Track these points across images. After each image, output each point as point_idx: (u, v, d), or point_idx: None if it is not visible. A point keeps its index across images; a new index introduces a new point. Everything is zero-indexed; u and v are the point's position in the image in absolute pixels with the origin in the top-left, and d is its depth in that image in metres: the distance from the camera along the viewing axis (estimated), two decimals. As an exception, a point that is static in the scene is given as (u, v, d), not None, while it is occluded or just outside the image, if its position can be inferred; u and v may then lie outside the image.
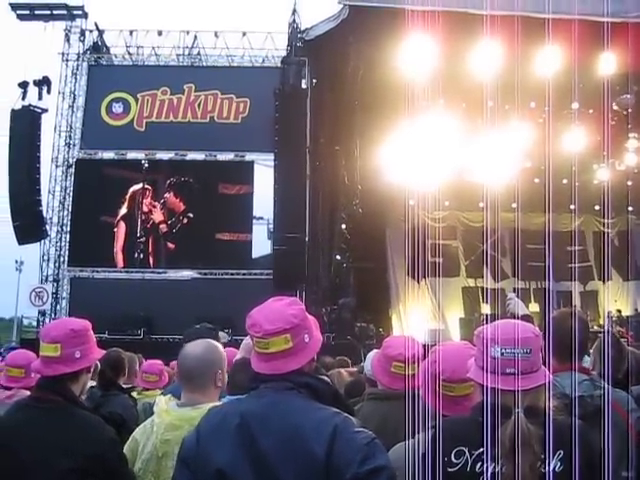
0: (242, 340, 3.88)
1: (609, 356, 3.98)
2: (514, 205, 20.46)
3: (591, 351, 4.29)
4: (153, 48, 21.62)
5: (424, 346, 3.71)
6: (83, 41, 22.09)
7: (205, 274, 20.64)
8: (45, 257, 21.02)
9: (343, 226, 22.34)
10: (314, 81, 20.75)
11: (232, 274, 20.24)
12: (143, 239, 20.55)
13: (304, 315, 2.49)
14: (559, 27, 14.58)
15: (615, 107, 20.61)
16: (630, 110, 20.70)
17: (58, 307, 20.68)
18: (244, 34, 21.43)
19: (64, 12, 21.87)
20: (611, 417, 3.00)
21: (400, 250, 23.94)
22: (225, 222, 20.60)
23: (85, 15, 22.10)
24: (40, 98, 20.60)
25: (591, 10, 14.70)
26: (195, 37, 21.73)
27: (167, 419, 3.10)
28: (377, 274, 24.71)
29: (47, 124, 20.92)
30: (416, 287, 24.77)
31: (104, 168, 21.10)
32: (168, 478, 2.87)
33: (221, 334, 5.01)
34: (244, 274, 20.18)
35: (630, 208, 23.94)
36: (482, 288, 24.63)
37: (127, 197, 20.64)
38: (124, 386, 5.70)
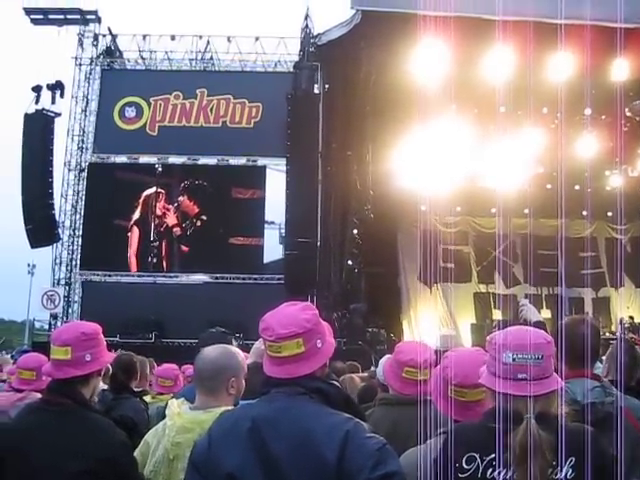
0: (253, 345, 3.87)
1: (622, 363, 3.96)
2: (526, 211, 20.43)
3: (604, 358, 4.28)
4: (166, 52, 21.70)
5: (436, 352, 3.71)
6: (96, 45, 22.21)
7: (217, 278, 20.67)
8: (57, 261, 21.11)
9: (355, 231, 22.31)
10: (326, 86, 20.76)
11: (244, 279, 20.27)
12: (157, 243, 20.63)
13: (317, 320, 2.48)
14: (572, 33, 14.53)
15: (628, 113, 20.53)
16: (643, 116, 20.63)
17: (70, 310, 20.76)
18: (257, 39, 21.50)
19: (78, 16, 21.99)
20: (622, 424, 2.98)
21: (412, 255, 23.94)
22: (238, 226, 20.62)
23: (98, 20, 22.23)
24: (53, 102, 20.71)
25: (604, 16, 14.65)
26: (208, 42, 21.81)
27: (179, 422, 3.10)
28: (389, 279, 24.67)
29: (60, 128, 21.09)
30: (427, 292, 24.73)
31: (117, 172, 21.19)
32: (179, 480, 2.88)
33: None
34: (255, 279, 20.21)
35: (643, 214, 23.86)
36: (494, 294, 24.57)
37: (140, 201, 20.70)
38: (135, 390, 5.70)
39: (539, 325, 3.67)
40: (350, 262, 22.40)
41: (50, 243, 20.98)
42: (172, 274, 20.71)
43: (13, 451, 2.95)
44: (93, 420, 3.05)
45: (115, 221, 20.64)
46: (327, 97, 20.40)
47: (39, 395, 4.02)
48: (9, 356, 14.38)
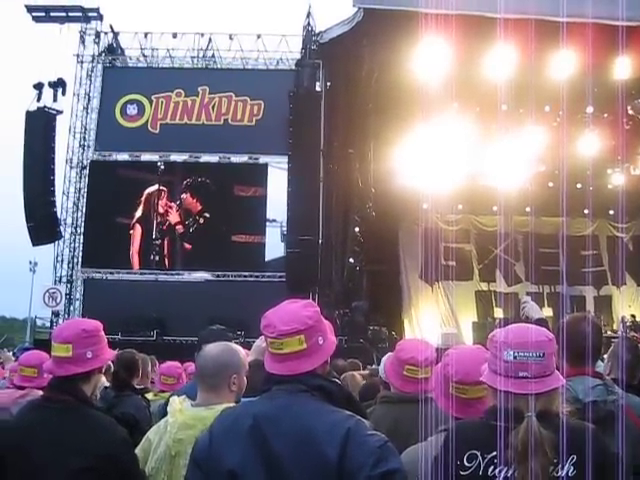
0: (255, 342, 3.87)
1: (624, 361, 3.96)
2: (528, 209, 20.45)
3: (605, 356, 4.27)
4: (168, 50, 21.69)
5: (437, 350, 3.71)
6: (98, 43, 22.19)
7: (218, 276, 20.68)
8: (59, 258, 21.11)
9: (356, 229, 22.31)
10: (328, 84, 20.74)
11: (245, 276, 20.26)
12: (159, 241, 20.61)
13: (319, 317, 2.49)
14: (574, 30, 14.52)
15: (630, 111, 20.52)
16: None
17: (71, 308, 20.76)
18: (259, 37, 21.48)
19: (79, 14, 21.97)
20: (624, 422, 2.98)
21: (413, 253, 23.96)
22: (240, 224, 20.61)
23: (100, 17, 22.19)
24: (55, 100, 20.71)
25: (606, 14, 14.63)
26: (210, 39, 21.79)
27: (180, 418, 3.11)
28: (390, 277, 24.68)
29: (62, 126, 21.06)
30: (429, 290, 24.74)
31: (119, 170, 21.17)
32: (180, 477, 2.88)
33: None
34: (257, 277, 20.20)
35: (645, 213, 23.85)
36: (495, 292, 24.58)
37: (142, 199, 20.68)
38: (137, 387, 5.71)
39: (541, 323, 3.68)
40: (352, 260, 22.41)
41: (52, 241, 20.98)
42: (174, 272, 20.70)
43: (14, 448, 2.95)
44: (94, 417, 3.05)
45: (117, 219, 20.63)
46: (329, 95, 20.38)
47: (41, 392, 4.03)
48: (11, 353, 14.41)
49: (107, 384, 5.68)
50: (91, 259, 20.69)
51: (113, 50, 22.35)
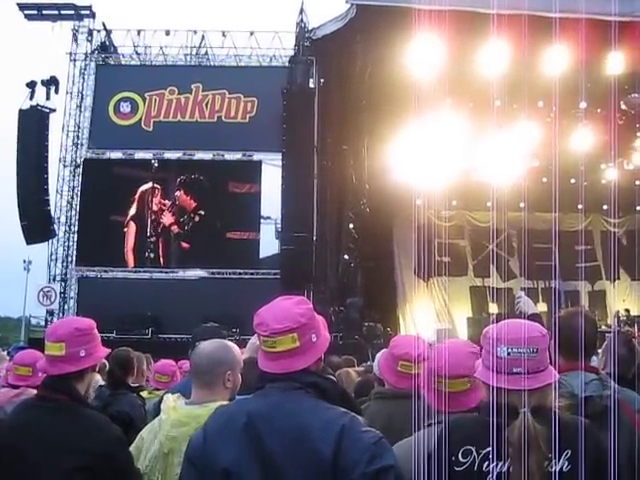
0: (249, 339, 3.87)
1: (618, 355, 3.97)
2: (522, 204, 20.44)
3: (599, 351, 4.28)
4: (161, 48, 21.62)
5: (430, 345, 3.71)
6: (91, 41, 22.11)
7: (213, 274, 20.66)
8: (53, 257, 21.06)
9: (351, 225, 22.33)
10: (322, 80, 20.73)
11: (240, 274, 20.23)
12: (153, 239, 20.57)
13: (312, 314, 2.48)
14: (567, 26, 14.54)
15: (623, 106, 20.56)
16: (638, 109, 20.64)
17: (66, 307, 20.72)
18: (252, 34, 21.42)
19: (72, 12, 21.89)
20: (619, 417, 2.98)
21: (408, 249, 23.94)
22: (234, 221, 20.58)
23: (93, 15, 22.12)
24: (48, 98, 20.63)
25: (599, 9, 14.66)
26: (203, 37, 21.74)
27: (174, 416, 3.11)
28: (385, 273, 24.71)
29: (55, 124, 20.99)
30: (423, 286, 24.79)
31: (113, 167, 21.12)
32: (175, 475, 2.88)
33: None
34: (252, 274, 20.18)
35: (638, 207, 23.88)
36: (489, 287, 24.61)
37: (136, 197, 20.61)
38: (132, 385, 5.70)
39: (535, 318, 3.68)
40: (346, 256, 22.43)
41: (45, 239, 20.93)
42: (168, 269, 20.68)
43: (8, 448, 2.95)
44: (88, 416, 3.05)
45: (111, 217, 20.57)
46: (322, 91, 20.37)
47: (35, 391, 4.02)
48: (5, 352, 14.38)
49: (102, 382, 5.68)
50: (85, 257, 20.63)
51: (106, 48, 22.28)
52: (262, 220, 21.77)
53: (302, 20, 20.45)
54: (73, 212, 21.14)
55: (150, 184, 20.73)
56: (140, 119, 21.20)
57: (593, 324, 3.72)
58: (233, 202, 20.48)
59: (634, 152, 22.63)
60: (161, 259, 20.57)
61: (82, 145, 21.38)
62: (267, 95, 20.51)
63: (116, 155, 21.47)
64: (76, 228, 20.95)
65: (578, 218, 23.52)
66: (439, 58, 16.79)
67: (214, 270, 20.56)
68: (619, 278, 24.86)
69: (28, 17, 22.11)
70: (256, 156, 21.03)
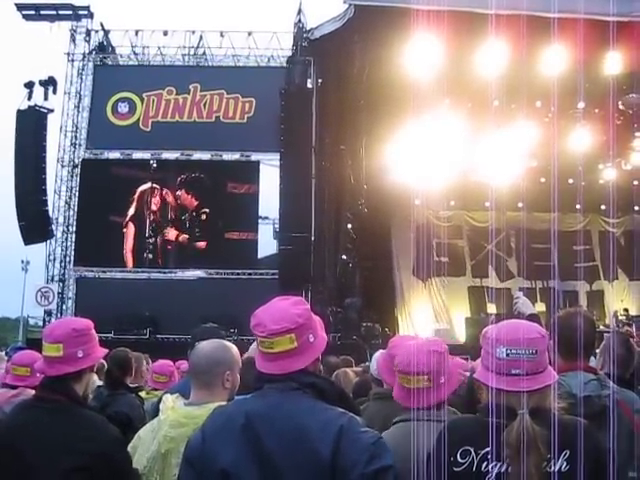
0: (247, 340, 3.87)
1: (616, 355, 3.97)
2: (520, 205, 20.47)
3: (597, 351, 4.27)
4: (159, 48, 21.63)
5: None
6: (89, 41, 22.12)
7: (211, 274, 20.67)
8: (51, 257, 21.05)
9: (349, 226, 22.31)
10: (319, 81, 20.72)
11: (238, 274, 20.24)
12: (152, 239, 20.56)
13: (309, 315, 2.48)
14: (565, 26, 14.53)
15: (621, 106, 20.56)
16: (636, 109, 20.65)
17: (64, 307, 20.71)
18: (249, 34, 21.44)
19: (70, 12, 21.89)
20: (618, 417, 2.98)
21: (406, 249, 23.94)
22: (233, 221, 20.60)
23: (91, 15, 22.12)
24: (46, 98, 20.64)
25: (597, 9, 14.66)
26: (201, 37, 21.75)
27: (172, 416, 3.10)
28: (383, 274, 24.69)
29: (53, 124, 21.00)
30: (422, 287, 24.77)
31: (111, 168, 21.12)
32: (173, 475, 2.87)
33: None
34: (250, 274, 20.18)
35: (636, 207, 23.92)
36: (488, 288, 24.60)
37: (135, 197, 20.62)
38: (131, 385, 5.70)
39: (533, 318, 3.68)
40: (344, 257, 22.41)
41: (43, 240, 20.93)
42: (166, 270, 20.67)
43: (6, 448, 2.95)
44: (86, 416, 3.05)
45: (110, 217, 20.56)
46: (320, 92, 20.36)
47: (33, 391, 4.02)
48: (3, 353, 14.37)
49: (100, 383, 5.67)
50: (83, 258, 20.63)
51: (104, 48, 22.28)
52: (260, 220, 21.79)
53: (300, 20, 20.45)
54: (71, 212, 21.14)
55: (149, 184, 20.72)
56: (138, 119, 21.20)
57: (592, 324, 3.72)
58: (231, 202, 20.49)
59: (632, 152, 22.62)
60: (160, 259, 20.56)
61: (80, 145, 21.39)
62: (265, 95, 20.52)
63: (114, 155, 21.48)
64: (74, 228, 20.95)
65: (576, 218, 23.54)
66: (437, 58, 16.78)
67: (212, 270, 20.57)
68: (617, 278, 24.86)
69: (26, 17, 22.09)
70: (254, 156, 21.04)
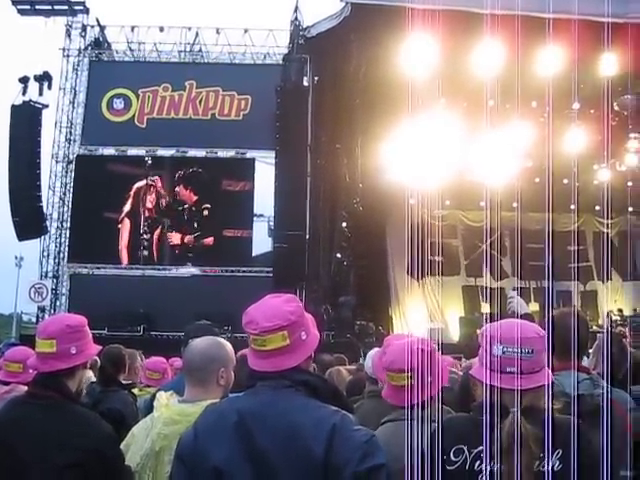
0: (241, 337, 3.86)
1: (609, 355, 3.97)
2: (515, 204, 20.47)
3: (590, 350, 4.28)
4: (154, 44, 21.60)
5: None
6: (84, 37, 22.07)
7: (205, 271, 20.66)
8: (45, 253, 21.01)
9: (344, 224, 22.34)
10: (316, 79, 20.71)
11: (232, 271, 20.23)
12: (147, 235, 20.53)
13: (301, 312, 2.48)
14: (560, 27, 14.54)
15: (616, 107, 20.60)
16: (631, 111, 20.69)
17: (57, 303, 20.68)
18: (246, 31, 21.42)
19: (65, 7, 21.84)
20: (611, 416, 2.99)
21: (400, 248, 23.89)
22: (229, 218, 20.60)
23: (86, 10, 22.06)
24: (41, 94, 20.58)
25: (593, 10, 14.67)
26: (197, 33, 21.71)
27: (166, 414, 3.10)
28: (377, 272, 24.70)
29: (47, 120, 20.92)
30: (416, 286, 24.78)
31: (106, 164, 21.09)
32: (166, 473, 2.87)
33: None
34: (244, 271, 20.18)
35: (630, 209, 23.94)
36: (482, 287, 24.63)
37: (131, 193, 20.60)
38: (124, 382, 5.69)
39: (527, 318, 3.70)
40: (339, 255, 22.43)
41: (38, 235, 20.88)
42: (160, 267, 20.65)
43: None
44: (79, 413, 3.04)
45: (104, 213, 20.54)
46: (316, 90, 20.35)
47: (25, 388, 4.01)
48: (-4, 349, 14.36)
49: (94, 379, 5.66)
50: (77, 254, 20.61)
51: (99, 44, 22.23)
52: (255, 218, 21.77)
53: (297, 18, 20.43)
54: (65, 208, 21.10)
55: (144, 181, 20.69)
56: (133, 116, 21.17)
57: (585, 324, 3.73)
58: (227, 199, 20.49)
59: (627, 153, 22.67)
60: (155, 256, 20.54)
61: (75, 141, 21.35)
62: (261, 93, 20.50)
63: (109, 152, 21.44)
64: (68, 224, 20.92)
65: (571, 218, 23.58)
66: (433, 57, 16.78)
67: (206, 268, 20.56)
68: (611, 279, 24.92)
69: (21, 12, 22.04)
70: (249, 154, 21.03)
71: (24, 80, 20.35)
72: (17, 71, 20.71)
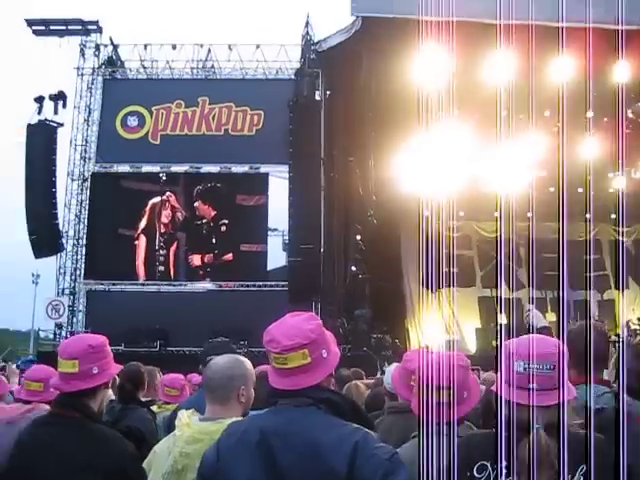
0: (258, 352, 3.87)
1: (628, 367, 3.94)
2: (529, 214, 20.42)
3: (611, 363, 4.25)
4: (167, 62, 21.75)
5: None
6: (98, 55, 22.28)
7: (220, 286, 20.68)
8: (61, 270, 21.13)
9: (358, 237, 22.27)
10: (328, 92, 20.75)
11: (247, 286, 20.26)
12: (164, 251, 20.59)
13: (321, 330, 2.48)
14: (573, 35, 14.51)
15: (630, 115, 20.52)
16: (645, 118, 20.62)
17: (74, 320, 20.77)
18: (258, 46, 21.53)
19: (79, 27, 22.08)
20: (633, 430, 2.97)
21: (415, 260, 23.84)
22: (244, 233, 20.63)
23: (100, 30, 22.28)
24: (56, 112, 20.78)
25: (606, 18, 14.65)
26: (209, 50, 21.86)
27: (188, 432, 3.10)
28: (392, 285, 24.59)
29: (63, 138, 21.14)
30: (431, 298, 24.68)
31: (121, 181, 21.20)
32: (188, 491, 2.87)
33: None
34: (259, 286, 20.20)
35: (646, 216, 23.80)
36: (498, 298, 24.48)
37: (147, 209, 20.69)
38: (143, 400, 5.69)
39: (544, 331, 3.68)
40: (354, 268, 22.36)
41: (54, 253, 21.01)
42: (176, 282, 20.70)
43: (22, 466, 2.96)
44: (101, 432, 3.05)
45: (120, 230, 20.65)
46: (328, 103, 20.39)
47: (47, 406, 4.03)
48: (14, 366, 14.44)
49: (113, 397, 5.67)
50: (94, 271, 20.72)
51: (113, 62, 22.44)
52: (269, 232, 21.82)
53: (308, 32, 20.53)
54: (81, 225, 21.25)
55: (159, 197, 20.78)
56: (147, 133, 21.31)
57: (605, 337, 3.72)
58: (241, 214, 20.53)
59: (642, 161, 22.57)
60: (171, 272, 20.59)
61: (90, 159, 21.52)
62: (273, 107, 20.60)
63: (123, 169, 21.59)
64: (84, 241, 21.04)
65: (586, 227, 23.46)
66: (445, 69, 16.76)
67: (222, 283, 20.60)
68: (628, 287, 24.74)
69: (36, 32, 22.27)
70: (263, 168, 21.12)
71: (39, 99, 20.54)
72: (32, 91, 20.93)
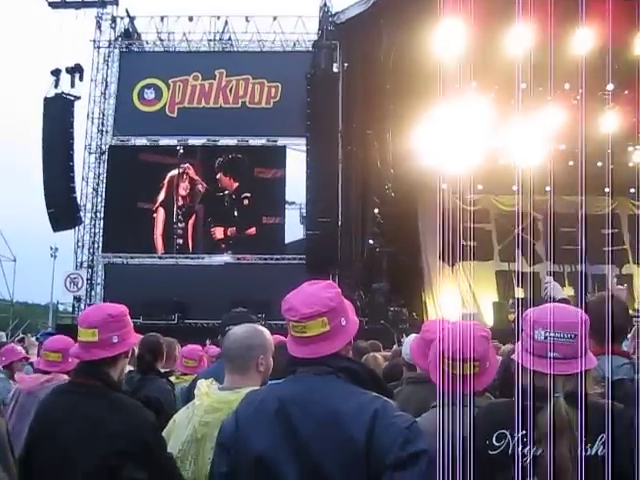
0: (275, 324, 3.87)
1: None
2: (547, 188, 20.28)
3: (629, 335, 4.24)
4: (184, 34, 21.65)
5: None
6: (114, 28, 22.19)
7: (238, 259, 20.73)
8: (79, 244, 21.23)
9: (375, 210, 22.26)
10: (345, 65, 20.64)
11: (265, 259, 20.28)
12: (182, 224, 20.63)
13: (340, 298, 2.47)
14: (593, 6, 14.33)
15: (651, 87, 20.28)
16: (666, 91, 20.35)
17: (93, 293, 20.90)
18: (275, 18, 21.38)
19: (95, -1, 21.98)
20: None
21: (433, 234, 23.77)
22: (265, 206, 20.63)
23: (116, 2, 22.17)
24: (72, 86, 20.78)
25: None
26: (226, 22, 21.73)
27: (207, 401, 3.12)
28: (410, 258, 24.59)
29: (80, 111, 21.13)
30: (449, 271, 24.65)
31: (138, 154, 21.21)
32: (207, 460, 2.88)
33: None
34: (277, 259, 20.22)
35: (666, 190, 23.59)
36: (516, 272, 24.42)
37: (165, 182, 20.70)
38: (162, 370, 5.73)
39: (563, 302, 3.65)
40: (371, 241, 22.38)
41: (72, 226, 21.11)
42: (194, 255, 20.75)
43: (43, 433, 2.99)
44: (122, 401, 3.07)
45: (138, 203, 20.67)
46: (346, 76, 20.28)
47: (66, 377, 4.06)
48: (34, 338, 14.58)
49: (131, 368, 5.71)
50: (112, 244, 20.79)
51: (129, 35, 22.35)
52: (287, 205, 21.80)
53: (325, 4, 20.38)
54: (99, 199, 21.31)
55: (177, 170, 20.78)
56: (164, 105, 21.27)
57: (625, 309, 3.70)
58: (259, 187, 20.51)
59: (662, 134, 22.33)
60: (190, 245, 20.63)
61: (107, 132, 21.52)
62: (291, 80, 20.48)
63: (141, 142, 21.58)
64: (102, 215, 21.11)
65: (605, 201, 23.28)
66: (464, 41, 16.62)
67: (240, 256, 20.64)
68: (646, 262, 24.60)
69: (52, 5, 22.18)
70: (280, 141, 21.04)
71: (56, 72, 20.55)
72: (49, 64, 20.90)
